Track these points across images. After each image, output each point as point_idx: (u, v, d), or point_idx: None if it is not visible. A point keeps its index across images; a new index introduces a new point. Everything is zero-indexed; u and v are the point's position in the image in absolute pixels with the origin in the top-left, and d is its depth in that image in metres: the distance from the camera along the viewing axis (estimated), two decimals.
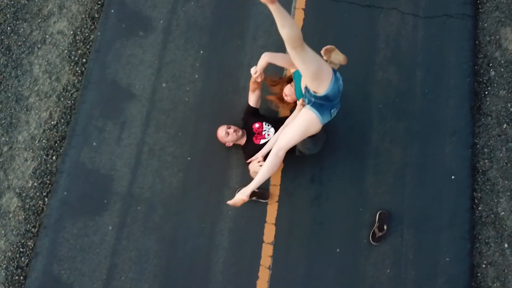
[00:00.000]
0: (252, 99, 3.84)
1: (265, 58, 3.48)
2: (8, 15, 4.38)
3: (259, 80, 3.57)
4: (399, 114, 4.14)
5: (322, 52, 3.15)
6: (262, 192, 3.81)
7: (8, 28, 4.34)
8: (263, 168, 3.17)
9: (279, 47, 4.25)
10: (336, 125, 3.97)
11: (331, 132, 3.94)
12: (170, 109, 4.09)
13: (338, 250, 3.79)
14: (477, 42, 4.38)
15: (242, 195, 3.22)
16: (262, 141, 3.74)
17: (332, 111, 3.07)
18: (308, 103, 3.05)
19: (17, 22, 4.36)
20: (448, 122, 4.13)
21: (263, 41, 4.32)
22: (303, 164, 3.95)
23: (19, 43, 4.29)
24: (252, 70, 3.57)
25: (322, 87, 2.90)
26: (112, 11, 4.36)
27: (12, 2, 4.42)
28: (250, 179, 3.86)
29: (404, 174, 3.98)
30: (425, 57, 4.28)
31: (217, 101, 4.14)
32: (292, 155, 3.84)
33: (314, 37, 4.01)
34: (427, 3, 4.39)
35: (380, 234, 3.76)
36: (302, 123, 3.05)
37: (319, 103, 2.99)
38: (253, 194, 3.77)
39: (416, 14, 4.35)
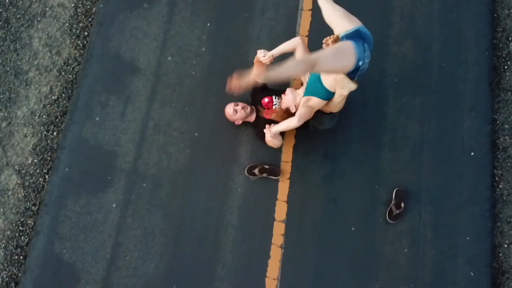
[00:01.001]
0: (257, 75, 3.71)
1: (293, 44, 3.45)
2: None
3: (267, 63, 3.48)
4: (416, 88, 4.01)
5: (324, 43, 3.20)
6: (272, 169, 3.69)
7: (7, 1, 4.22)
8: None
9: (288, 19, 4.16)
10: (350, 99, 3.84)
11: (344, 106, 3.81)
12: (176, 83, 3.96)
13: (353, 228, 3.66)
14: (495, 15, 4.25)
15: (268, 133, 3.45)
16: (273, 116, 3.61)
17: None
18: None
19: None
20: (466, 97, 4.00)
21: (272, 14, 4.20)
22: (316, 140, 3.82)
23: (18, 16, 4.17)
24: (260, 52, 3.48)
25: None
26: None
27: None
28: (259, 157, 3.76)
29: (421, 150, 3.85)
30: (441, 30, 4.15)
31: (225, 75, 3.99)
32: (304, 130, 3.73)
33: (322, 37, 3.83)
34: None
35: (397, 211, 3.63)
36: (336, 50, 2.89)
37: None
38: (263, 170, 3.65)
39: None
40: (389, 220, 3.63)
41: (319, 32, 3.71)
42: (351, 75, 2.96)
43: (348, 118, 3.87)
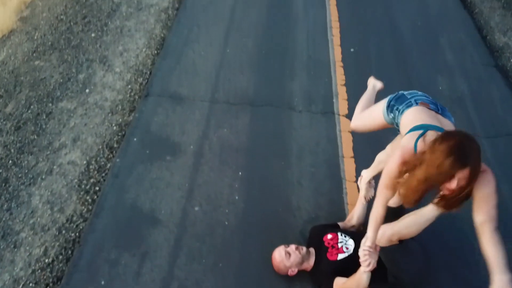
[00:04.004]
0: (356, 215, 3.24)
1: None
2: (12, 150, 3.97)
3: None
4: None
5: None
6: None
7: (10, 161, 3.86)
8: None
9: (330, 166, 3.84)
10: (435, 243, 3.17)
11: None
12: (206, 234, 3.30)
13: None
14: None
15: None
16: (341, 256, 2.87)
17: None
18: None
19: (21, 156, 3.91)
20: None
21: (310, 161, 3.90)
22: None
23: (19, 175, 3.74)
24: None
25: None
26: (135, 139, 4.01)
27: (19, 138, 4.07)
28: None
29: None
30: None
31: (266, 222, 3.40)
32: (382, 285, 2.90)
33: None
34: None
35: None
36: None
37: None
38: None
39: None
40: None
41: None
42: None
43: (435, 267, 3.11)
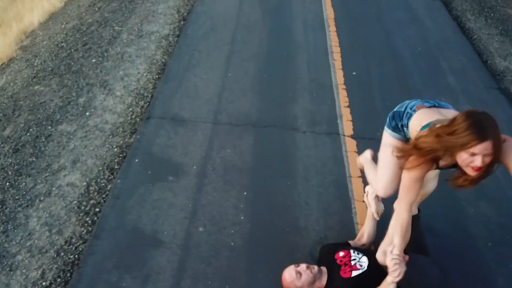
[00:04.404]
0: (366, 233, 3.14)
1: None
2: (9, 172, 3.88)
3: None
4: None
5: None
6: None
7: (7, 183, 3.76)
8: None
9: (338, 186, 3.76)
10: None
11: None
12: (211, 255, 3.18)
13: None
14: None
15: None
16: (355, 273, 2.76)
17: None
18: None
19: (19, 178, 3.82)
20: None
21: (317, 181, 3.82)
22: None
23: (16, 197, 3.64)
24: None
25: None
26: (137, 160, 3.94)
27: (17, 161, 3.99)
28: None
29: None
30: None
31: (273, 243, 3.29)
32: None
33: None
34: None
35: None
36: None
37: None
38: None
39: None
40: None
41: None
42: None
43: None
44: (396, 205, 2.48)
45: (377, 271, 2.67)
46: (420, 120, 2.41)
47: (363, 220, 3.40)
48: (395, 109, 2.61)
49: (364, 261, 2.82)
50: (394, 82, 5.19)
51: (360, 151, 4.06)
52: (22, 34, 6.98)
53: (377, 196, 3.08)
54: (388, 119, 2.64)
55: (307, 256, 3.17)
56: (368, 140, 4.19)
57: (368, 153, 3.10)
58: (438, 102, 2.51)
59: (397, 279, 2.34)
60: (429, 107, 2.47)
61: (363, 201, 3.56)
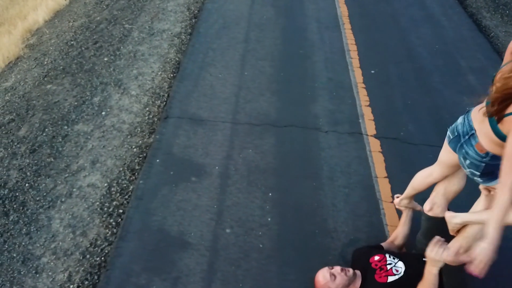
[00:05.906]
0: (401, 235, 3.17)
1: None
2: (28, 173, 3.88)
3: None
4: None
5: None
6: None
7: (26, 184, 3.76)
8: None
9: (364, 187, 3.77)
10: None
11: None
12: (240, 258, 3.19)
13: None
14: None
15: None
16: (391, 278, 2.76)
17: None
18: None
19: (38, 179, 3.82)
20: None
21: (343, 182, 3.83)
22: None
23: (37, 198, 3.64)
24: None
25: None
26: (158, 160, 3.94)
27: (35, 161, 3.99)
28: None
29: None
30: None
31: (303, 245, 3.30)
32: None
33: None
34: None
35: None
36: None
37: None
38: None
39: None
40: None
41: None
42: None
43: None
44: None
45: (414, 277, 2.67)
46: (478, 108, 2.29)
47: (393, 222, 3.43)
48: (448, 140, 2.52)
49: (401, 266, 2.82)
50: (413, 80, 5.22)
51: (384, 151, 4.10)
52: (27, 33, 6.97)
53: (411, 197, 3.10)
54: (454, 146, 2.48)
55: (338, 259, 3.19)
56: (392, 140, 4.21)
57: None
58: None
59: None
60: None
61: (391, 202, 3.58)
